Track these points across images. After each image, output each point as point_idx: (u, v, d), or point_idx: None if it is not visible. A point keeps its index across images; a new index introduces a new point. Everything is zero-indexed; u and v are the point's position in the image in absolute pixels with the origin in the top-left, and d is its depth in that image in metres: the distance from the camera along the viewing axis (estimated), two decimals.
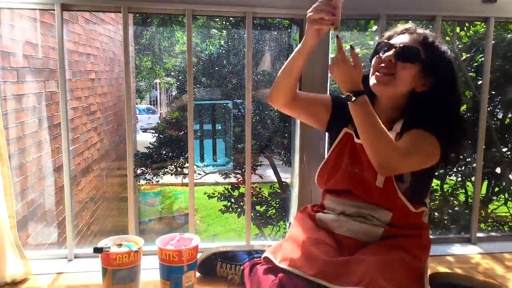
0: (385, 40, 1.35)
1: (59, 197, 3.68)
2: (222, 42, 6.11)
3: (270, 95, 1.46)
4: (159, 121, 6.35)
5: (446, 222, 3.51)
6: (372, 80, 1.33)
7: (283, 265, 1.23)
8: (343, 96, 1.26)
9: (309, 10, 1.27)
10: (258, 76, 5.20)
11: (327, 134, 1.61)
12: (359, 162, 1.37)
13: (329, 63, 1.25)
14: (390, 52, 1.30)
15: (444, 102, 1.31)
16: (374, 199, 1.34)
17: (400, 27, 1.38)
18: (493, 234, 2.10)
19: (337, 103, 1.47)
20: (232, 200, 5.38)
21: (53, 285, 1.55)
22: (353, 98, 1.22)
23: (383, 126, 1.22)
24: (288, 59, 1.38)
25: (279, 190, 5.47)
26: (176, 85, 7.40)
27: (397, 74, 1.29)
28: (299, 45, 1.34)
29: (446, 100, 1.32)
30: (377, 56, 1.33)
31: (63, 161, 1.74)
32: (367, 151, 1.24)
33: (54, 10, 1.66)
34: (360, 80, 1.24)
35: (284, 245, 1.32)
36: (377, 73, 1.32)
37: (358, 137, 1.36)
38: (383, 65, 1.31)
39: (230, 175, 5.68)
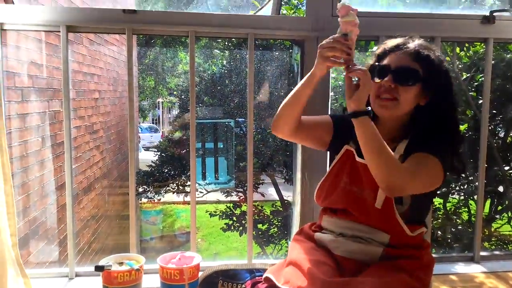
0: (378, 63, 1.33)
1: (61, 215, 3.68)
2: (225, 62, 6.18)
3: (275, 126, 1.44)
4: (161, 140, 6.37)
5: (449, 240, 3.49)
6: (376, 105, 1.32)
7: (285, 287, 1.22)
8: (348, 113, 1.24)
9: (323, 45, 1.25)
10: (260, 105, 5.24)
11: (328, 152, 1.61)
12: (358, 181, 1.36)
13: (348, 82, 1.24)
14: (387, 77, 1.29)
15: (444, 109, 1.32)
16: (371, 220, 1.32)
17: (390, 43, 1.36)
18: (496, 252, 2.09)
19: (338, 123, 1.46)
20: (234, 219, 5.35)
21: None
22: (363, 117, 1.21)
23: (388, 147, 1.21)
24: (294, 89, 1.37)
25: (281, 209, 5.45)
26: (178, 104, 7.46)
27: (400, 97, 1.28)
28: (306, 76, 1.34)
29: (446, 107, 1.32)
30: (375, 80, 1.31)
31: (66, 179, 1.75)
32: (373, 171, 1.22)
33: (59, 31, 1.69)
34: (366, 100, 1.24)
35: (285, 270, 1.30)
36: (380, 98, 1.31)
37: (359, 156, 1.35)
38: (383, 89, 1.30)
39: (232, 193, 5.66)
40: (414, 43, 1.33)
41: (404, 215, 1.31)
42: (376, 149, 1.21)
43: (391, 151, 1.22)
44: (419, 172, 1.23)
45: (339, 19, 1.24)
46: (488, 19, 1.90)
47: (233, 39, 5.68)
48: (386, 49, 1.35)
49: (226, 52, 6.19)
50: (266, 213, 5.40)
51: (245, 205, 5.32)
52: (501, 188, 3.48)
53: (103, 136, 5.33)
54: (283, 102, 1.41)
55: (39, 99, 3.45)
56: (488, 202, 3.51)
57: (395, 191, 1.23)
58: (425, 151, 1.26)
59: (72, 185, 1.76)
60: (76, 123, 4.28)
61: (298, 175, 1.93)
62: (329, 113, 1.85)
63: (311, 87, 1.33)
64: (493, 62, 2.02)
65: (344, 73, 1.28)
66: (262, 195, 5.60)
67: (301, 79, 1.89)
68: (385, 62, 1.32)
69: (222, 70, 6.04)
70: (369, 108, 1.23)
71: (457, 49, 3.35)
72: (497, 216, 3.63)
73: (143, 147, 9.70)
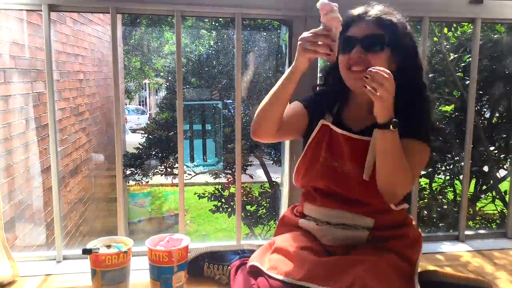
0: (343, 36, 1.27)
1: (47, 198, 3.65)
2: (212, 42, 6.10)
3: (255, 130, 1.36)
4: (149, 122, 6.32)
5: (434, 220, 3.55)
6: (350, 79, 1.29)
7: (272, 273, 1.21)
8: (380, 125, 1.18)
9: (303, 37, 1.21)
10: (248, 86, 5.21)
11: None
12: (338, 155, 1.33)
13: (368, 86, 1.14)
14: (356, 48, 1.26)
15: (413, 72, 1.32)
16: (354, 193, 1.31)
17: (350, 13, 1.32)
18: (481, 231, 2.12)
19: (310, 108, 1.42)
20: (223, 200, 5.37)
21: (41, 287, 1.54)
22: (395, 127, 1.17)
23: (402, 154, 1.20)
24: (275, 87, 1.31)
25: (269, 190, 5.47)
26: (165, 85, 7.37)
27: (372, 65, 1.22)
28: (287, 71, 1.28)
29: (414, 70, 1.32)
30: (343, 53, 1.28)
31: (51, 162, 1.72)
32: (382, 179, 1.22)
33: (41, 10, 1.64)
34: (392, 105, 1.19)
35: (271, 256, 1.29)
36: (351, 70, 1.28)
37: (338, 126, 1.34)
38: (353, 61, 1.26)
39: (220, 175, 5.67)
40: (374, 10, 1.29)
41: None
42: (396, 167, 1.20)
43: (406, 162, 1.20)
44: (417, 170, 1.28)
45: (321, 17, 1.18)
46: None
47: (220, 19, 5.60)
48: (347, 21, 1.30)
49: (213, 32, 6.11)
50: (254, 194, 5.42)
51: (234, 187, 5.33)
52: (486, 168, 3.53)
53: (89, 118, 5.26)
54: (262, 105, 1.33)
55: (22, 80, 3.38)
56: (473, 182, 3.56)
57: (397, 199, 1.27)
58: (412, 135, 1.26)
59: (57, 168, 1.73)
60: (60, 105, 4.21)
61: (286, 157, 1.92)
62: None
63: (293, 82, 1.28)
64: (480, 42, 2.01)
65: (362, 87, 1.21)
66: (251, 176, 5.61)
67: (289, 60, 1.88)
68: (349, 33, 1.28)
69: (210, 51, 5.96)
70: (394, 120, 1.17)
71: (445, 30, 3.35)
72: (482, 196, 3.69)
73: (130, 129, 9.63)
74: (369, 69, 1.15)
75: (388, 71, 1.14)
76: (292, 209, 1.49)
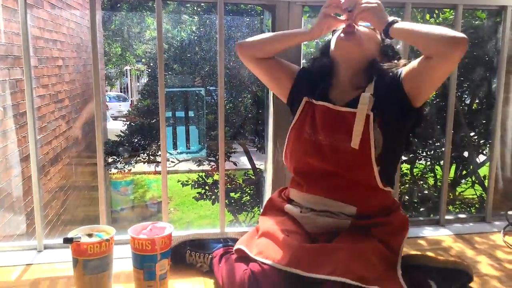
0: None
1: (27, 187, 3.59)
2: (194, 28, 6.01)
3: (245, 47, 1.48)
4: (130, 109, 6.24)
5: (416, 205, 3.60)
6: (335, 42, 1.37)
7: (258, 258, 1.22)
8: (385, 29, 1.27)
9: (326, 5, 1.31)
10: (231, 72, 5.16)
11: (290, 108, 1.55)
12: (323, 128, 1.35)
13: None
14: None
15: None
16: (341, 165, 1.32)
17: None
18: (461, 216, 2.16)
19: (302, 75, 1.46)
20: (206, 188, 5.36)
21: (22, 277, 1.52)
22: (394, 24, 1.26)
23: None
24: (288, 31, 1.45)
25: (253, 177, 5.48)
26: (147, 72, 7.26)
27: (359, 31, 1.35)
28: (305, 30, 1.39)
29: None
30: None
31: (30, 150, 1.69)
32: (434, 44, 1.21)
33: None
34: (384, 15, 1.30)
35: (258, 241, 1.31)
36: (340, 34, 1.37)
37: (322, 101, 1.37)
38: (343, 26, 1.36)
39: (204, 163, 5.64)
40: None
41: (377, 161, 1.31)
42: (426, 29, 1.23)
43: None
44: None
45: None
46: None
47: (202, 4, 5.52)
48: None
49: (195, 17, 6.02)
50: (238, 181, 5.42)
51: (217, 174, 5.31)
52: (466, 154, 3.59)
53: (69, 105, 5.17)
54: (266, 35, 1.45)
55: None
56: (453, 167, 3.62)
57: (463, 45, 1.22)
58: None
59: (37, 156, 1.70)
60: (39, 92, 4.12)
61: (270, 144, 1.92)
62: None
63: (297, 41, 1.44)
64: (462, 29, 2.03)
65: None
66: (234, 164, 5.60)
67: None
68: None
69: (192, 37, 5.88)
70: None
71: (427, 16, 3.37)
72: (462, 181, 3.76)
73: (111, 117, 9.49)
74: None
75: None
76: (280, 192, 1.51)
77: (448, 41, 1.19)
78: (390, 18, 1.28)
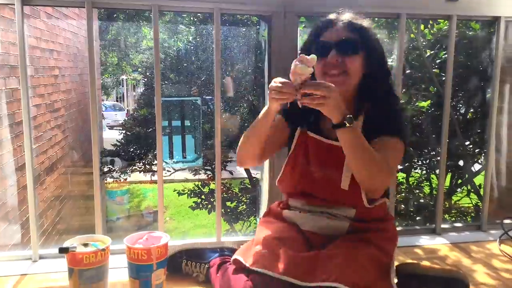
0: (317, 41, 1.32)
1: (23, 196, 3.57)
2: (190, 38, 6.04)
3: (240, 161, 1.45)
4: (126, 118, 6.23)
5: (411, 213, 3.60)
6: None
7: (254, 267, 1.22)
8: (334, 125, 1.19)
9: (270, 86, 1.22)
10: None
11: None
12: (315, 160, 1.36)
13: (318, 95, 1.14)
14: (332, 53, 1.28)
15: (382, 77, 1.36)
16: (336, 197, 1.34)
17: (323, 20, 1.36)
18: (457, 224, 2.17)
19: (289, 118, 1.45)
20: (203, 197, 5.34)
21: (17, 287, 1.50)
22: (352, 121, 1.17)
23: (373, 150, 1.21)
24: (253, 124, 1.36)
25: (250, 186, 5.47)
26: (143, 81, 7.28)
27: (349, 70, 1.29)
28: (263, 111, 1.32)
29: (383, 74, 1.37)
30: (320, 58, 1.27)
31: (26, 159, 1.68)
32: (359, 176, 1.23)
33: (14, 4, 1.60)
34: (343, 106, 1.19)
35: (253, 249, 1.31)
36: (328, 74, 1.30)
37: (314, 133, 1.37)
38: (330, 66, 1.29)
39: (200, 172, 5.63)
40: (345, 16, 1.34)
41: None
42: (366, 159, 1.20)
43: (375, 153, 1.21)
44: (394, 164, 1.30)
45: (298, 65, 1.16)
46: None
47: (199, 14, 5.55)
48: (320, 26, 1.35)
49: (192, 27, 6.06)
50: (234, 190, 5.41)
51: (214, 183, 5.30)
52: (461, 162, 3.60)
53: (65, 115, 5.17)
54: (243, 140, 1.41)
55: None
56: (448, 176, 3.63)
57: (379, 192, 1.29)
58: (385, 133, 1.30)
59: (32, 165, 1.69)
60: (35, 101, 4.12)
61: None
62: None
63: (269, 121, 1.33)
64: (456, 39, 2.05)
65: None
66: (231, 173, 5.59)
67: (268, 56, 1.88)
68: (323, 38, 1.32)
69: (188, 46, 5.91)
70: (348, 116, 1.17)
71: (422, 26, 3.40)
72: (458, 190, 3.77)
73: (107, 126, 9.47)
74: (300, 87, 1.16)
75: (316, 82, 1.18)
76: (279, 204, 1.52)
77: (369, 187, 1.25)
78: (346, 117, 1.17)
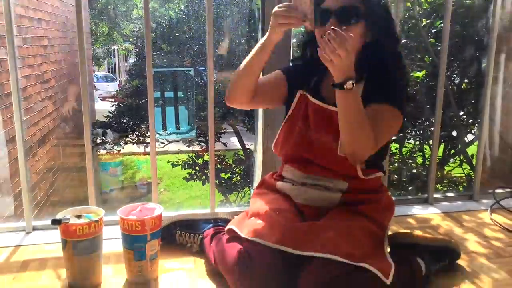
0: (321, 8, 1.26)
1: (15, 168, 3.54)
2: (182, 6, 5.92)
3: (230, 98, 1.38)
4: (118, 89, 6.16)
5: (404, 183, 3.63)
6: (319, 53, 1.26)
7: (248, 237, 1.23)
8: (334, 84, 1.16)
9: (276, 11, 1.19)
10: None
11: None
12: (313, 125, 1.35)
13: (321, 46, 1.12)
14: (330, 21, 1.24)
15: (389, 44, 1.32)
16: (329, 162, 1.33)
17: None
18: (449, 194, 2.18)
19: (290, 76, 1.42)
20: (197, 168, 5.35)
21: (10, 258, 1.51)
22: (352, 85, 1.15)
23: (365, 117, 1.20)
24: (248, 56, 1.30)
25: (243, 157, 5.48)
26: (135, 51, 7.16)
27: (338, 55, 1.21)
28: (261, 41, 1.27)
29: (390, 42, 1.32)
30: (319, 26, 1.24)
31: (16, 131, 1.66)
32: (345, 139, 1.23)
33: None
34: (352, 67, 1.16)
35: (248, 221, 1.31)
36: None
37: (316, 97, 1.34)
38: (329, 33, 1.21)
39: (193, 143, 5.62)
40: None
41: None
42: (355, 125, 1.20)
43: (367, 121, 1.19)
44: (381, 134, 1.25)
45: None
46: None
47: None
48: None
49: None
50: (228, 162, 5.42)
51: (207, 155, 5.31)
52: (454, 133, 3.61)
53: (55, 86, 5.09)
54: (237, 72, 1.34)
55: None
56: (441, 146, 3.65)
57: (361, 159, 1.28)
58: (384, 100, 1.27)
59: (23, 137, 1.67)
60: (25, 72, 4.05)
61: (260, 124, 1.91)
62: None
63: (267, 52, 1.28)
64: (452, 8, 2.01)
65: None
66: (224, 144, 5.59)
67: (262, 25, 1.84)
68: (324, 5, 1.27)
69: (180, 15, 5.79)
70: (350, 81, 1.15)
71: None
72: (451, 160, 3.79)
73: (99, 97, 9.36)
74: (328, 32, 1.12)
75: (347, 35, 1.12)
76: (272, 174, 1.52)
77: (349, 151, 1.25)
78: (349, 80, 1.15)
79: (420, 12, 3.39)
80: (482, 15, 3.14)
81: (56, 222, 1.26)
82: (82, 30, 1.65)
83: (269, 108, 1.54)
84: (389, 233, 1.38)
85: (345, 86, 1.15)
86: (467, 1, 3.21)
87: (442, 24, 2.06)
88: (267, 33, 1.25)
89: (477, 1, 3.19)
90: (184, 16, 5.69)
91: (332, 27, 1.13)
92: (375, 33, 1.29)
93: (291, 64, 1.52)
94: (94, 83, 9.98)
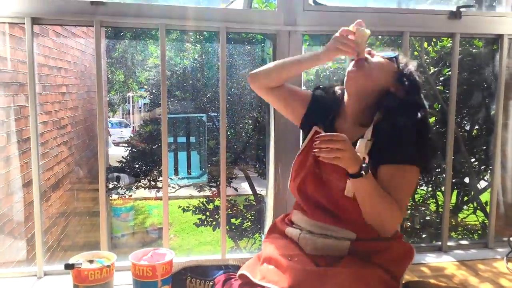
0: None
1: (28, 213, 3.58)
2: (196, 56, 6.11)
3: (255, 76, 1.49)
4: (132, 135, 6.27)
5: (417, 231, 3.57)
6: (346, 72, 1.36)
7: (262, 282, 1.22)
8: (351, 174, 1.20)
9: (337, 37, 1.31)
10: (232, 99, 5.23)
11: (301, 131, 1.61)
12: (323, 162, 1.32)
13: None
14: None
15: (414, 107, 1.34)
16: (336, 204, 1.34)
17: None
18: (463, 242, 2.15)
19: (315, 101, 1.48)
20: (207, 213, 5.33)
21: None
22: (365, 173, 1.19)
23: (384, 192, 1.22)
24: (292, 58, 1.44)
25: (254, 203, 5.45)
26: (149, 98, 7.33)
27: (369, 61, 1.34)
28: (312, 54, 1.39)
29: (415, 105, 1.34)
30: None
31: (33, 176, 1.70)
32: (372, 221, 1.27)
33: (24, 23, 1.64)
34: (356, 161, 1.20)
35: (261, 267, 1.30)
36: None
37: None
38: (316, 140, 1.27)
39: (204, 188, 5.63)
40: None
41: None
42: (378, 207, 1.23)
43: (387, 198, 1.22)
44: (404, 198, 1.28)
45: (360, 28, 1.31)
46: (455, 15, 1.95)
47: (205, 32, 5.62)
48: None
49: (198, 45, 6.12)
50: (239, 207, 5.39)
51: (218, 200, 5.30)
52: (467, 179, 3.58)
53: (71, 132, 5.21)
54: (276, 62, 1.46)
55: (3, 93, 3.34)
56: (454, 193, 3.61)
57: (391, 232, 1.32)
58: (395, 162, 1.27)
59: (39, 182, 1.71)
60: (43, 118, 4.16)
61: (271, 169, 1.93)
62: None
63: (307, 66, 1.43)
64: (459, 56, 2.07)
65: None
66: (235, 189, 5.58)
67: None
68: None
69: (194, 64, 5.96)
70: (364, 165, 1.20)
71: (425, 44, 3.42)
72: (464, 207, 3.74)
73: (113, 143, 9.51)
74: (314, 141, 1.20)
75: (330, 134, 1.18)
76: (284, 217, 1.52)
77: (379, 229, 1.29)
78: (362, 166, 1.19)
79: (428, 60, 3.46)
80: (489, 63, 3.19)
81: (69, 266, 1.28)
82: (102, 79, 1.72)
83: (278, 110, 1.58)
84: (403, 281, 1.36)
85: (362, 173, 1.18)
86: (473, 50, 3.28)
87: (450, 72, 2.11)
88: (320, 52, 1.36)
89: (483, 49, 3.26)
90: (198, 65, 5.87)
91: (316, 136, 1.21)
92: (403, 90, 1.34)
93: (313, 93, 1.55)
94: (108, 128, 10.16)
